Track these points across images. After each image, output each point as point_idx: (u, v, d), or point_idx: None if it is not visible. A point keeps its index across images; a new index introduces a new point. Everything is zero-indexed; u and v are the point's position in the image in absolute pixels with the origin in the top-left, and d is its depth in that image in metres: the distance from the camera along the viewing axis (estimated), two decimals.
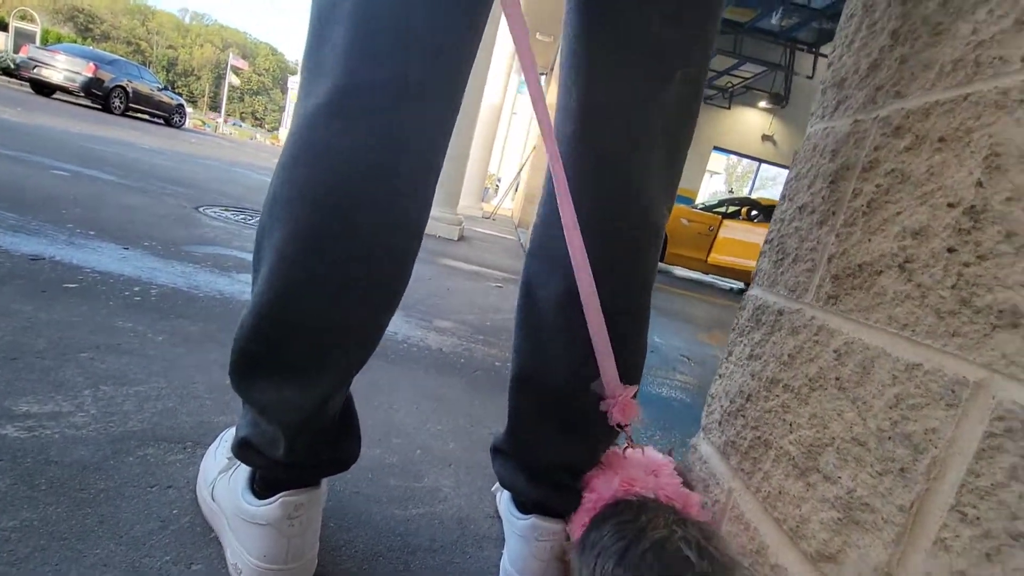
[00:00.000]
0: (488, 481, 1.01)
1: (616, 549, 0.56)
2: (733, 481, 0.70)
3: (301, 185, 0.55)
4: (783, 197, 0.77)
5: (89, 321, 1.26)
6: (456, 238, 5.09)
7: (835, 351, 0.56)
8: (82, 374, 1.02)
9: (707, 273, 7.37)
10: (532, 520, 0.72)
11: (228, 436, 0.80)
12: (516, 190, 11.94)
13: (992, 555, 0.37)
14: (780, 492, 0.60)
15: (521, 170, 11.06)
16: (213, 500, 0.72)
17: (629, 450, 0.72)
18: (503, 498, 0.87)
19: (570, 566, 0.69)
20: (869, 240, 0.56)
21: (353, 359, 0.63)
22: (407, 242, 0.60)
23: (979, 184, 0.44)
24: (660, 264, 7.28)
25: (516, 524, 0.74)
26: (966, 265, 0.44)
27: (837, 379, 0.55)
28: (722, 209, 7.57)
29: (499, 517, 0.91)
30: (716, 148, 13.91)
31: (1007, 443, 0.38)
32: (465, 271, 3.51)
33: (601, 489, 0.67)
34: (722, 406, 0.77)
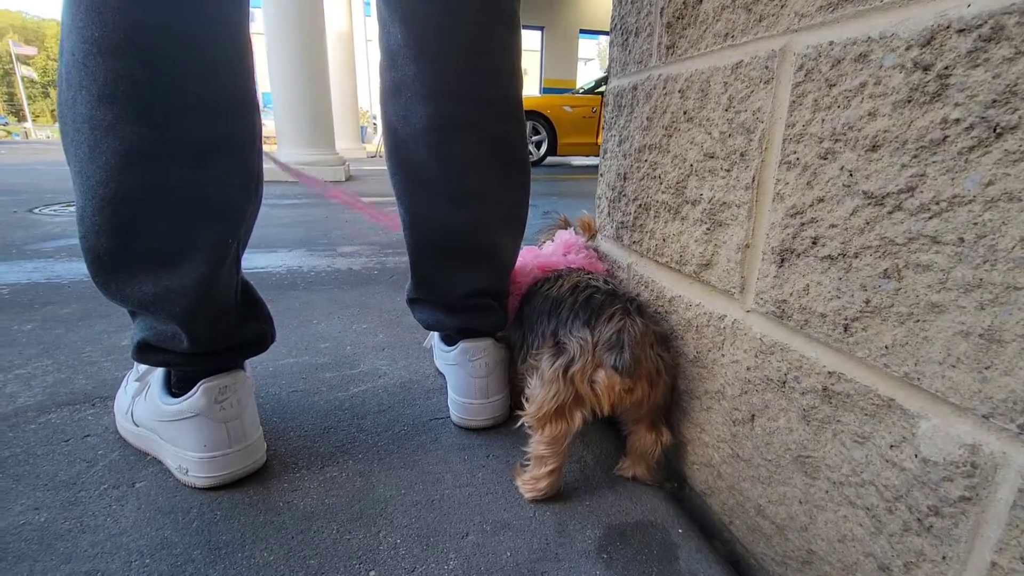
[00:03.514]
0: (424, 357, 1.04)
1: (546, 306, 0.65)
2: (629, 257, 0.77)
3: (99, 37, 0.48)
4: None
5: None
6: (343, 178, 4.83)
7: (680, 92, 0.61)
8: None
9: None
10: (461, 345, 0.75)
11: (132, 374, 0.75)
12: None
13: (811, 182, 0.43)
14: (664, 239, 0.66)
15: None
16: (136, 425, 0.69)
17: (547, 244, 0.78)
18: (433, 344, 0.90)
19: (508, 344, 0.77)
20: None
21: (220, 232, 0.59)
22: (238, 89, 0.56)
23: None
24: (555, 158, 7.41)
25: (449, 356, 0.78)
26: None
27: (685, 113, 0.60)
28: (600, 89, 7.64)
29: (441, 373, 0.94)
30: (583, 32, 13.75)
31: (808, 85, 0.43)
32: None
33: (522, 277, 0.77)
34: (607, 197, 0.82)
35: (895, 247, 0.37)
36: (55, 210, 2.74)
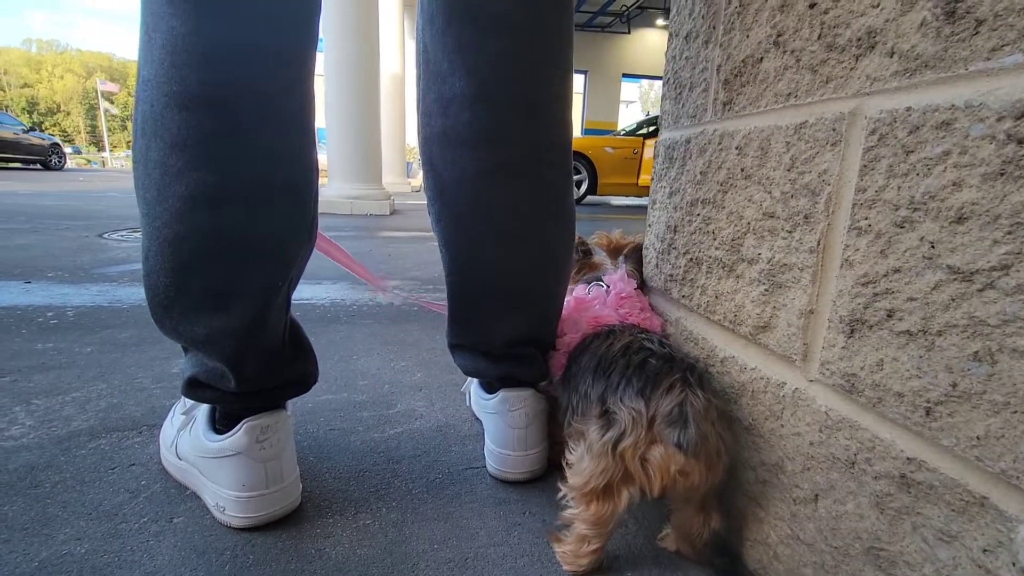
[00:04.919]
0: (460, 400, 1.02)
1: (593, 364, 0.62)
2: (678, 311, 0.74)
3: (177, 92, 0.51)
4: (671, 35, 0.78)
5: (2, 351, 1.16)
6: (388, 212, 4.97)
7: (737, 148, 0.60)
8: (7, 395, 0.95)
9: (641, 196, 7.54)
10: (501, 394, 0.74)
11: (179, 406, 0.77)
12: None
13: (886, 250, 0.41)
14: (716, 297, 0.64)
15: None
16: (179, 458, 0.70)
17: (595, 288, 0.76)
18: (472, 390, 0.89)
19: (556, 403, 0.74)
20: (747, 36, 0.58)
21: (271, 275, 0.60)
22: (299, 138, 0.58)
23: None
24: (595, 197, 7.44)
25: (488, 404, 0.76)
26: (825, 12, 0.47)
27: (743, 171, 0.58)
28: (642, 131, 7.70)
29: (477, 418, 0.93)
30: (625, 76, 14.03)
31: (881, 150, 0.41)
32: (403, 238, 3.45)
33: (571, 331, 0.73)
34: (656, 249, 0.80)
35: (987, 328, 0.34)
36: (122, 235, 2.92)
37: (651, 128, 7.58)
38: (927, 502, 0.38)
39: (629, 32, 13.26)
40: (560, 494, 0.59)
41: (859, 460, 0.43)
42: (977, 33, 0.34)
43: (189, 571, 0.56)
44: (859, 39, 0.43)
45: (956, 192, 0.35)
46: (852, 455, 0.44)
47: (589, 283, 0.82)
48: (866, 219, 0.43)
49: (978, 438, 0.34)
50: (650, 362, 0.57)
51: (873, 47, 0.42)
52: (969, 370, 0.35)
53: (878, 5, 0.42)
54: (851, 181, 0.44)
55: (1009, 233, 0.32)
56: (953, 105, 0.35)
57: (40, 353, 1.16)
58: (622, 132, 8.19)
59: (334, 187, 4.84)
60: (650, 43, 13.46)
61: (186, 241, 0.54)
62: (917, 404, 0.38)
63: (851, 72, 0.44)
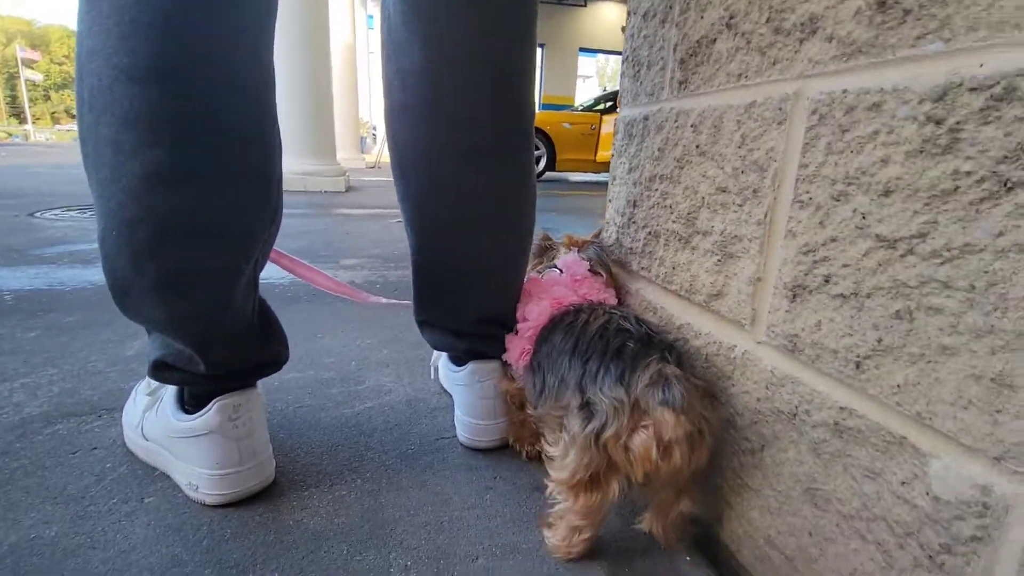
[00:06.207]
0: (428, 374, 1.04)
1: (568, 346, 0.61)
2: (638, 283, 0.78)
3: (128, 64, 0.49)
4: (629, 13, 0.80)
5: None
6: (344, 189, 4.84)
7: (692, 126, 0.63)
8: None
9: (599, 172, 7.61)
10: (470, 366, 0.76)
11: (143, 386, 0.76)
12: None
13: (824, 221, 0.45)
14: (673, 268, 0.68)
15: None
16: (146, 439, 0.69)
17: (549, 272, 0.77)
18: (441, 364, 0.91)
19: (517, 394, 0.75)
20: (702, 16, 0.61)
21: (234, 256, 0.59)
22: (259, 112, 0.57)
23: None
24: (553, 173, 7.46)
25: (457, 376, 0.79)
26: None
27: (697, 147, 0.62)
28: (600, 107, 7.73)
29: (446, 391, 0.95)
30: (582, 50, 13.95)
31: (821, 129, 0.45)
32: (361, 215, 3.38)
33: (534, 316, 0.72)
34: (616, 223, 0.84)
35: (907, 289, 0.38)
36: (56, 214, 2.74)
37: (608, 104, 7.62)
38: (856, 445, 0.43)
39: (585, 5, 13.16)
40: (548, 490, 0.59)
41: (800, 412, 0.48)
42: (904, 22, 0.38)
43: (166, 548, 0.57)
44: (803, 24, 0.47)
45: (884, 168, 0.39)
46: (794, 407, 0.49)
47: (541, 273, 0.81)
48: (807, 193, 0.46)
49: (898, 386, 0.39)
50: (628, 346, 0.56)
51: (815, 32, 0.46)
52: (892, 327, 0.39)
53: None
54: (795, 158, 0.48)
55: (927, 204, 0.36)
56: (883, 88, 0.39)
57: None
58: (580, 107, 8.20)
59: (286, 163, 4.52)
60: (607, 17, 13.42)
61: (143, 222, 0.52)
62: (849, 359, 0.43)
63: (796, 55, 0.48)
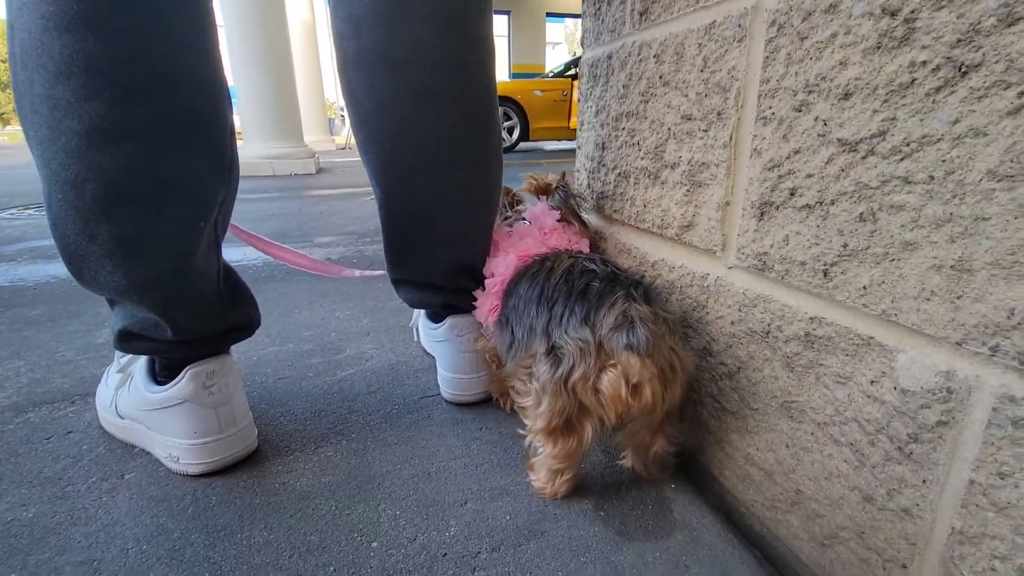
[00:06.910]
0: (410, 339, 1.03)
1: (534, 294, 0.60)
2: (611, 227, 0.78)
3: (55, 12, 0.46)
4: None
5: None
6: (314, 171, 4.73)
7: (655, 57, 0.61)
8: None
9: (574, 139, 7.51)
10: (448, 321, 0.76)
11: (113, 367, 0.74)
12: None
13: (787, 134, 0.45)
14: (644, 206, 0.67)
15: None
16: (121, 417, 0.68)
17: (517, 224, 0.76)
18: (420, 325, 0.90)
19: (492, 351, 0.74)
20: None
21: (190, 216, 0.56)
22: (199, 59, 0.54)
23: None
24: (528, 143, 7.38)
25: (436, 333, 0.78)
26: None
27: (661, 77, 0.61)
28: (571, 72, 7.61)
29: (428, 354, 0.95)
30: (549, 15, 13.65)
31: (780, 40, 0.44)
32: (334, 195, 3.31)
33: (501, 270, 0.71)
34: (586, 169, 0.83)
35: (869, 191, 0.38)
36: (13, 213, 2.63)
37: (578, 69, 7.48)
38: (827, 353, 0.43)
39: None
40: (526, 440, 0.59)
41: (772, 329, 0.49)
42: None
43: (150, 518, 0.56)
44: None
45: (843, 71, 0.39)
46: (766, 326, 0.50)
47: (511, 226, 0.78)
48: (770, 108, 0.46)
49: (864, 287, 0.39)
50: (592, 285, 0.55)
51: None
52: (856, 230, 0.39)
53: None
54: (756, 74, 0.47)
55: (885, 101, 0.36)
56: None
57: None
58: (550, 74, 8.06)
59: (252, 148, 4.52)
60: None
61: (88, 183, 0.50)
62: (816, 268, 0.43)
63: None
